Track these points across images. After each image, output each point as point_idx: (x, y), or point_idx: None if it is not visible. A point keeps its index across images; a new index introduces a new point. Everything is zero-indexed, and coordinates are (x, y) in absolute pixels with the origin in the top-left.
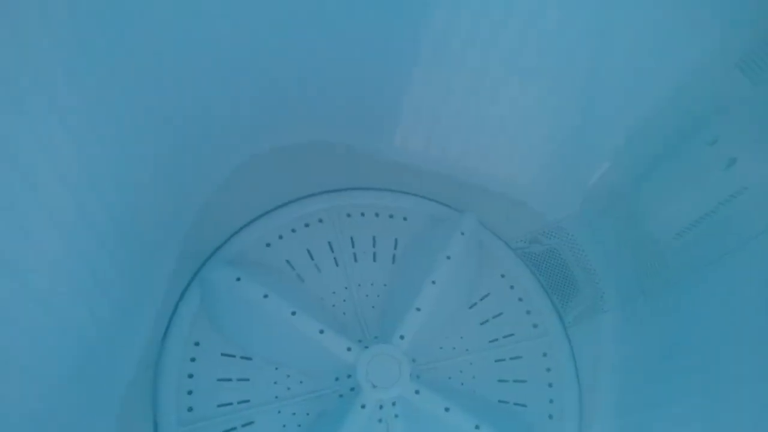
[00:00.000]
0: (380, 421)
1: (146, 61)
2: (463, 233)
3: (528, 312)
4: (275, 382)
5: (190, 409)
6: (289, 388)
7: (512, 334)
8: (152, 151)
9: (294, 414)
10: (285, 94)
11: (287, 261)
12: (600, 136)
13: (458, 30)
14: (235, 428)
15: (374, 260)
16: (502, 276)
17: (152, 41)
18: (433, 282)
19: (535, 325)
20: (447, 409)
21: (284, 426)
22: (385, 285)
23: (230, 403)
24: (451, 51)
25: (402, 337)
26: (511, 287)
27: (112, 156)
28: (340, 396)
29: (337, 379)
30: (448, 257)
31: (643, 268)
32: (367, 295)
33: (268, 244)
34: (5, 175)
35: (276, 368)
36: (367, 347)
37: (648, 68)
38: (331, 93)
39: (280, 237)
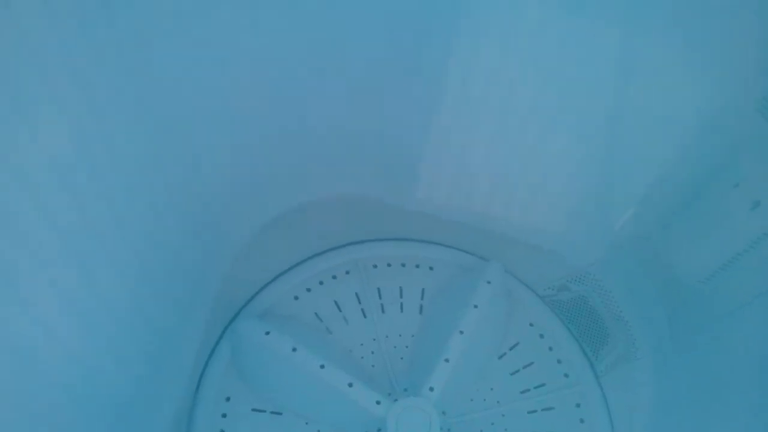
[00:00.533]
0: None
1: (177, 119)
2: (489, 282)
3: (559, 361)
4: None
5: None
6: None
7: (543, 384)
8: (183, 207)
9: None
10: (312, 151)
11: (315, 313)
12: (624, 182)
13: (478, 81)
14: None
15: (401, 311)
16: (531, 325)
17: (184, 101)
18: (461, 332)
19: (566, 375)
20: None
21: None
22: (412, 336)
23: None
24: (471, 102)
25: (431, 389)
26: (541, 336)
27: (143, 213)
28: None
29: None
30: (476, 306)
31: (674, 314)
32: (395, 347)
33: (296, 297)
34: (40, 232)
35: (306, 423)
36: (396, 400)
37: (669, 114)
38: (356, 148)
39: (308, 290)
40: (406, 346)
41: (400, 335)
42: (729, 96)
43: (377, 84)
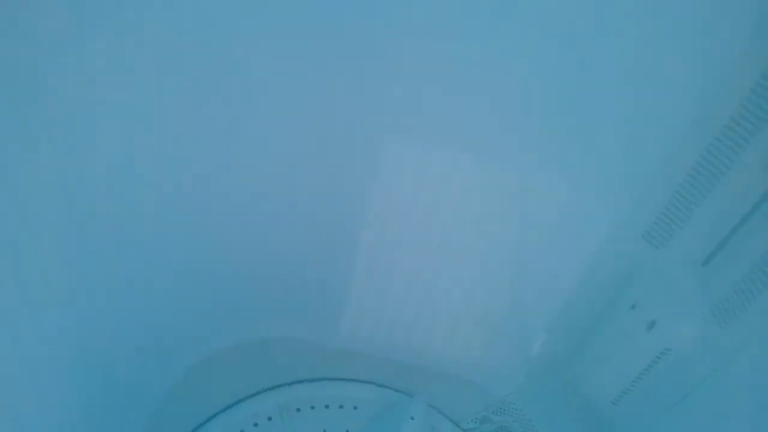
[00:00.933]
0: None
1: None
2: (413, 418)
3: None
4: None
5: None
6: None
7: None
8: (116, 340)
9: None
10: (227, 294)
11: None
12: (533, 310)
13: (395, 217)
14: None
15: None
16: None
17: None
18: None
19: None
20: None
21: None
22: None
23: None
24: (389, 237)
25: None
26: None
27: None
28: None
29: None
30: None
31: None
32: None
33: None
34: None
35: None
36: None
37: (564, 247)
38: (273, 289)
39: None
40: None
41: None
42: (617, 225)
43: (299, 225)
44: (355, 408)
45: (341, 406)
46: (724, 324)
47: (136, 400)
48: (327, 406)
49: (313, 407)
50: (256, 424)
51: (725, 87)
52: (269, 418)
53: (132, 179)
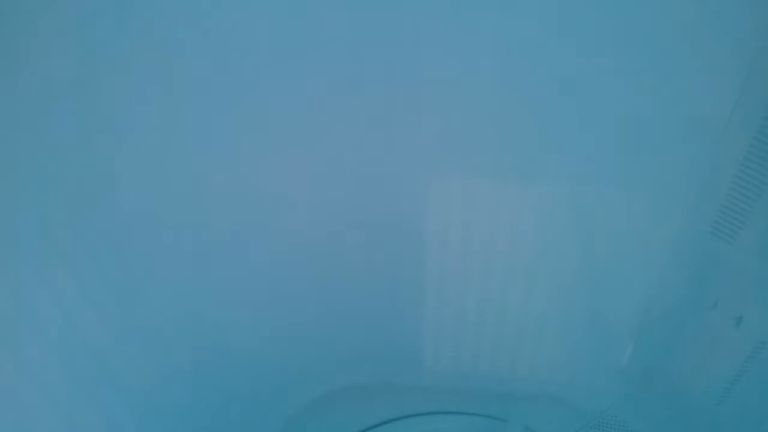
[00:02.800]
0: None
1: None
2: None
3: None
4: None
5: None
6: None
7: None
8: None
9: None
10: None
11: None
12: (613, 320)
13: (455, 249)
14: None
15: None
16: None
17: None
18: None
19: None
20: None
21: None
22: None
23: None
24: (452, 274)
25: None
26: None
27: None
28: None
29: None
30: None
31: None
32: None
33: None
34: None
35: None
36: None
37: (634, 254)
38: (354, 337)
39: None
40: None
41: None
42: (684, 223)
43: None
44: None
45: None
46: None
47: None
48: None
49: None
50: None
51: None
52: None
53: None
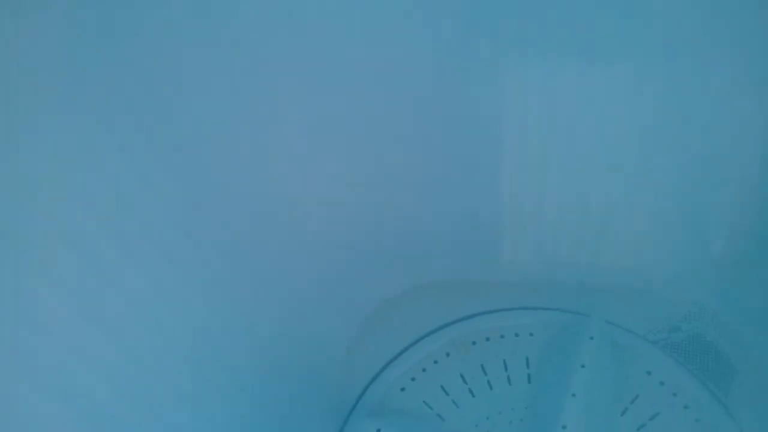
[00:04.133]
0: None
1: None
2: (592, 338)
3: (686, 407)
4: None
5: None
6: None
7: None
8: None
9: None
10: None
11: (424, 402)
12: (709, 206)
13: (534, 136)
14: None
15: (509, 384)
16: (649, 373)
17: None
18: (574, 395)
19: (697, 420)
20: None
21: None
22: (526, 408)
23: None
24: (531, 167)
25: None
26: (662, 383)
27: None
28: None
29: None
30: (583, 366)
31: None
32: (510, 422)
33: (402, 389)
34: None
35: None
36: None
37: (735, 140)
38: (437, 231)
39: (413, 379)
40: (522, 419)
41: (512, 409)
42: None
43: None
44: (531, 335)
45: (517, 335)
46: None
47: (322, 352)
48: (502, 336)
49: (488, 339)
50: (436, 361)
51: None
52: (447, 354)
53: None
